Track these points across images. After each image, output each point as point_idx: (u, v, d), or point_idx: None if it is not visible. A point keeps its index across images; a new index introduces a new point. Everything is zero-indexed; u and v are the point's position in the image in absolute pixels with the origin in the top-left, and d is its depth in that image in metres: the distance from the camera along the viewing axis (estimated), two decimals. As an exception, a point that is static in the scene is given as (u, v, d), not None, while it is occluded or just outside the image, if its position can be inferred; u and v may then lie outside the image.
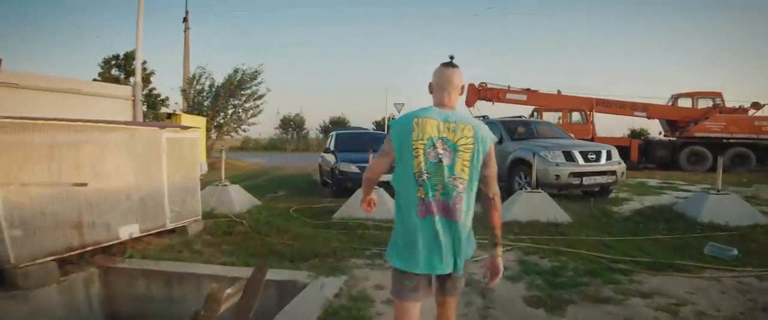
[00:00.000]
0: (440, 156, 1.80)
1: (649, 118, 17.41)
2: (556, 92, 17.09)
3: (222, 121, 17.63)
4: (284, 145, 38.23)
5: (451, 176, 1.80)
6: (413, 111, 1.90)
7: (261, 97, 18.55)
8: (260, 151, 36.14)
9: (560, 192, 7.55)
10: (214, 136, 17.73)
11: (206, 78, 17.90)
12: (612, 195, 8.31)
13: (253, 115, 18.42)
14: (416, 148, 1.80)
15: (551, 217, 6.06)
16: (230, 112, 17.88)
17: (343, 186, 8.52)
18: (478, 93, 17.08)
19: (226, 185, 7.16)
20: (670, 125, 17.67)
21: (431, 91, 1.97)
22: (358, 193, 6.67)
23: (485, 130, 1.90)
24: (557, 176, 7.32)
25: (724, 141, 15.92)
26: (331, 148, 9.79)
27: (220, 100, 17.02)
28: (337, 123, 35.44)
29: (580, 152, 7.51)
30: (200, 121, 16.35)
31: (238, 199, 7.13)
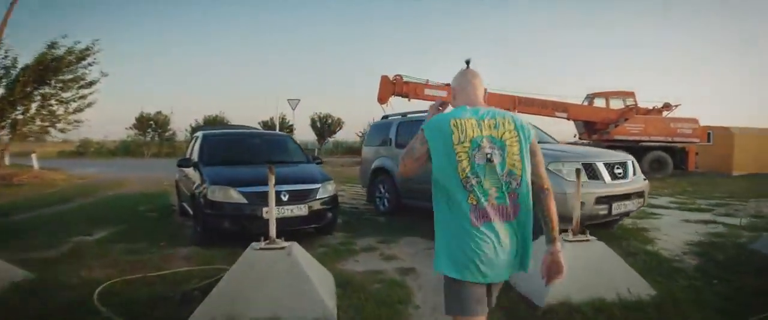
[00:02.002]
0: (489, 155, 1.69)
1: (569, 119, 16.42)
2: (477, 88, 15.11)
3: (19, 117, 12.15)
4: (142, 149, 31.62)
5: (503, 174, 1.70)
6: (447, 113, 1.79)
7: (91, 84, 13.46)
8: (106, 158, 29.25)
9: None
10: (7, 137, 12.19)
11: (3, 57, 12.28)
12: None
13: (78, 110, 13.21)
14: (459, 153, 1.68)
15: (622, 290, 3.37)
16: (34, 105, 12.44)
17: (214, 228, 4.90)
18: (393, 87, 14.36)
19: None
20: (587, 127, 16.93)
21: (455, 97, 1.91)
22: (248, 259, 3.23)
23: (521, 119, 1.83)
24: (583, 204, 4.68)
25: (643, 144, 15.45)
26: (195, 157, 6.01)
27: (18, 87, 11.57)
28: (213, 123, 29.91)
29: (605, 164, 5.00)
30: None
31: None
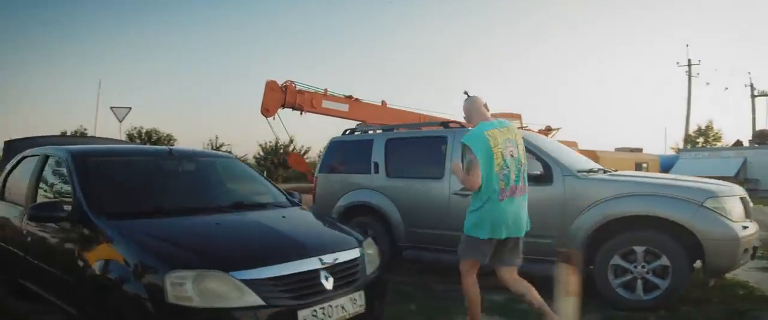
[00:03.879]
0: (512, 152, 2.85)
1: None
2: (380, 104, 13.66)
3: None
4: None
5: (519, 164, 2.87)
6: (478, 128, 2.90)
7: None
8: None
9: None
10: None
11: None
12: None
13: None
14: (496, 154, 2.79)
15: None
16: None
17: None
18: (283, 96, 11.73)
19: None
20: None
21: (471, 115, 3.07)
22: None
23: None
24: (747, 252, 3.46)
25: (534, 166, 15.96)
26: (74, 201, 3.06)
27: None
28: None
29: (742, 198, 3.89)
30: None
31: None
